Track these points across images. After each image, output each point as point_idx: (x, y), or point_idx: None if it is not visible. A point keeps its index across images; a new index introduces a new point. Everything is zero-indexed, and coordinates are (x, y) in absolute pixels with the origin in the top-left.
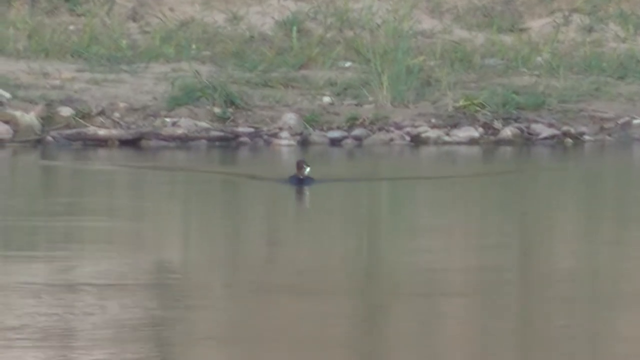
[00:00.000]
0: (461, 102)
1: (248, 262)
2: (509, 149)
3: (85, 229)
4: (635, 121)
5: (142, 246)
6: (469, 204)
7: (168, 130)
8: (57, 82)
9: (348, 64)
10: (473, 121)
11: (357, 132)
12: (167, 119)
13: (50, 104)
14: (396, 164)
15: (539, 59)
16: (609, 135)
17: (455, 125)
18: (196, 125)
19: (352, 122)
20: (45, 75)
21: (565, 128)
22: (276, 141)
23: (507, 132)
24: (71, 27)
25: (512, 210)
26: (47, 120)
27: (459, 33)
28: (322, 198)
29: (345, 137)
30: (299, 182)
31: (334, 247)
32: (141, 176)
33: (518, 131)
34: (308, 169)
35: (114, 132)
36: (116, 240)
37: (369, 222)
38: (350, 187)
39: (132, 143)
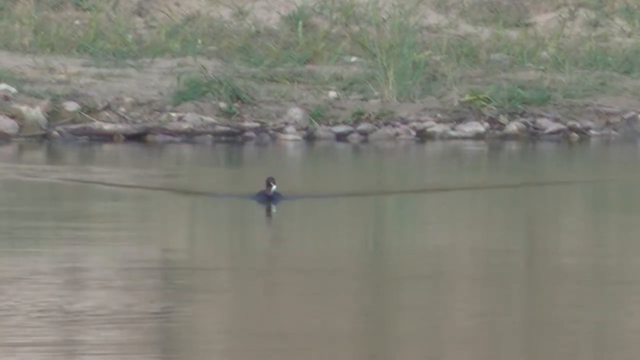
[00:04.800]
0: (467, 97)
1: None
2: (514, 143)
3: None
4: None
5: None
6: (455, 223)
7: (174, 125)
8: (63, 77)
9: (354, 58)
10: (479, 116)
11: (362, 126)
12: (173, 114)
13: (55, 99)
14: (382, 175)
15: (544, 53)
16: (615, 130)
17: (461, 120)
18: (202, 120)
19: (358, 117)
20: (51, 70)
21: (570, 123)
22: (282, 136)
23: (513, 126)
24: (77, 22)
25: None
26: (53, 115)
27: (465, 28)
28: (287, 217)
29: (351, 132)
30: (267, 199)
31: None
32: (108, 193)
33: (524, 126)
34: (274, 187)
35: (120, 126)
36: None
37: (326, 239)
38: (318, 204)
39: (137, 138)
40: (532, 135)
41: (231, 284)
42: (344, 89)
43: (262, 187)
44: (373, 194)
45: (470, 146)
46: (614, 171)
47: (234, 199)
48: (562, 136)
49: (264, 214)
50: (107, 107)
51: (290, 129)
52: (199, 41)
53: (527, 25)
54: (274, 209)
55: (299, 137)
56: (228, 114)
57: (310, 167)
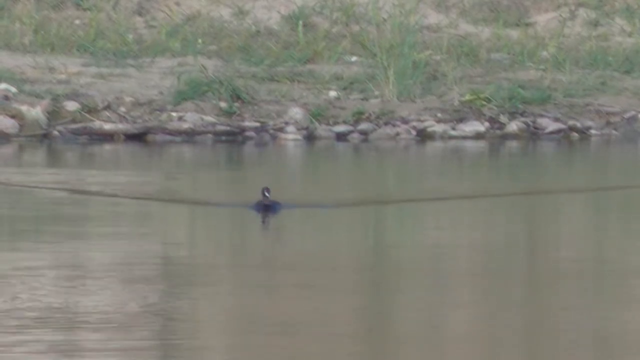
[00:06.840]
0: (467, 97)
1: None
2: (514, 143)
3: None
4: None
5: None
6: (457, 231)
7: (174, 125)
8: (63, 77)
9: (354, 58)
10: (479, 115)
11: (363, 126)
12: (173, 114)
13: (56, 99)
14: (384, 181)
15: (545, 53)
16: (615, 129)
17: (461, 120)
18: (202, 119)
19: (358, 116)
20: (51, 69)
21: (571, 122)
22: (282, 136)
23: (513, 126)
24: (77, 22)
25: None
26: (53, 114)
27: (465, 27)
28: (285, 228)
29: (351, 132)
30: (265, 208)
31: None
32: (100, 203)
33: (524, 125)
34: (268, 195)
35: (120, 126)
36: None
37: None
38: (319, 214)
39: (138, 137)
40: (533, 134)
41: (232, 283)
42: (344, 89)
43: (260, 193)
44: (375, 204)
45: (471, 146)
46: (615, 173)
47: (232, 208)
48: (562, 136)
49: (262, 223)
50: (108, 107)
51: (290, 128)
52: (200, 41)
53: (528, 24)
54: (270, 218)
55: (299, 137)
56: (228, 113)
57: (311, 171)
